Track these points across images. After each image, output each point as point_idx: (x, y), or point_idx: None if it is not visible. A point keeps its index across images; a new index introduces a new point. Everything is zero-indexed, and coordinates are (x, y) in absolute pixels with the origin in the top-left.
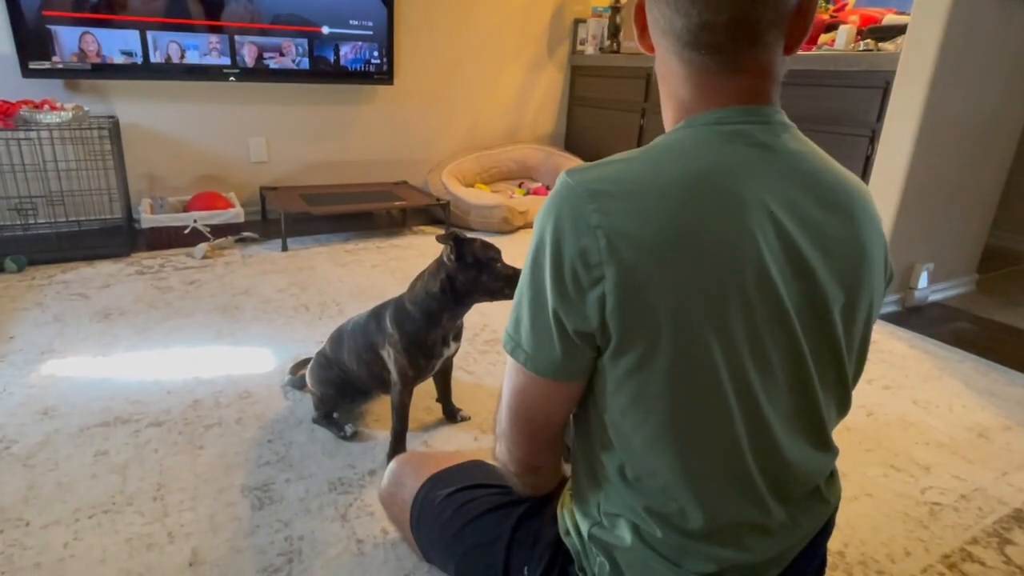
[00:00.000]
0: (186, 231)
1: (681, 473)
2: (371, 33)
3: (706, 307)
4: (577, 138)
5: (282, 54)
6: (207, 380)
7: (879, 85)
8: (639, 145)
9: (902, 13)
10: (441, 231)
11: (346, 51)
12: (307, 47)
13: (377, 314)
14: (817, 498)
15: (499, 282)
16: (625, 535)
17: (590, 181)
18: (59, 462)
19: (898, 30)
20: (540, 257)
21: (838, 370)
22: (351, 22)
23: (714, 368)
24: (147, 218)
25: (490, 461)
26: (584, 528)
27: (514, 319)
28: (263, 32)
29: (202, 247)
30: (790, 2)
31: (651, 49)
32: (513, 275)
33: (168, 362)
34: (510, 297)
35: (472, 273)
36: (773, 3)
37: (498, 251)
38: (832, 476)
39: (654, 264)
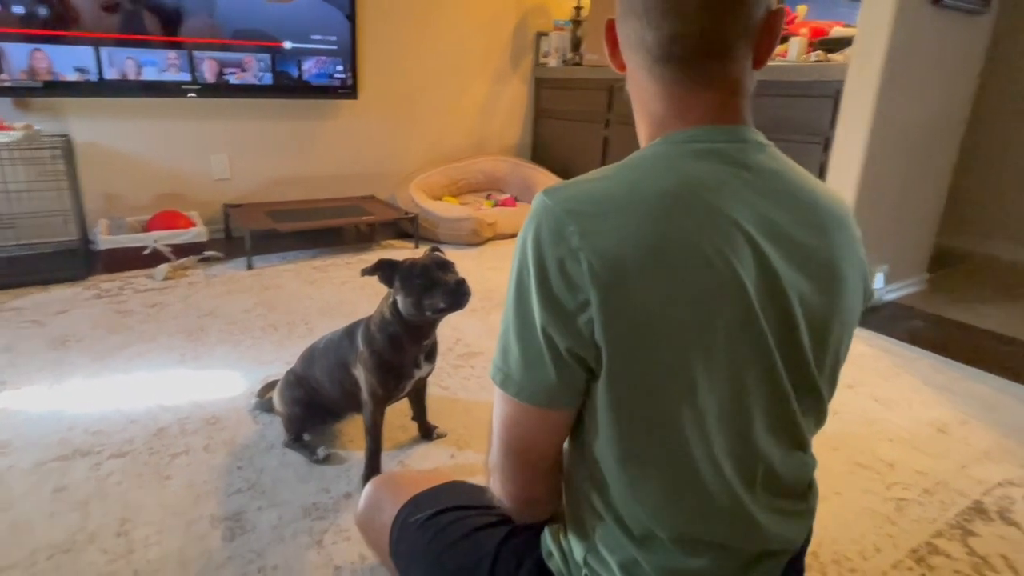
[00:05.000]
0: (146, 252)
1: (663, 500)
2: (335, 48)
3: (692, 325)
4: (543, 149)
5: (243, 69)
6: (172, 407)
7: (830, 94)
8: (604, 155)
9: (849, 26)
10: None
11: (309, 66)
12: (269, 62)
13: (350, 332)
14: (803, 506)
15: (442, 299)
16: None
17: (567, 200)
18: (14, 501)
19: (846, 42)
20: (524, 280)
21: (811, 386)
22: (313, 37)
23: (694, 390)
24: (104, 239)
25: (469, 480)
26: (578, 555)
27: (501, 349)
28: (223, 47)
29: (163, 268)
30: (758, 15)
31: (622, 67)
32: (455, 287)
33: (130, 390)
34: (458, 308)
35: (413, 297)
36: (742, 15)
37: (433, 269)
38: (811, 485)
39: (639, 283)
